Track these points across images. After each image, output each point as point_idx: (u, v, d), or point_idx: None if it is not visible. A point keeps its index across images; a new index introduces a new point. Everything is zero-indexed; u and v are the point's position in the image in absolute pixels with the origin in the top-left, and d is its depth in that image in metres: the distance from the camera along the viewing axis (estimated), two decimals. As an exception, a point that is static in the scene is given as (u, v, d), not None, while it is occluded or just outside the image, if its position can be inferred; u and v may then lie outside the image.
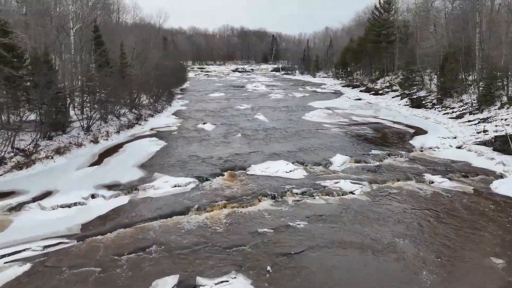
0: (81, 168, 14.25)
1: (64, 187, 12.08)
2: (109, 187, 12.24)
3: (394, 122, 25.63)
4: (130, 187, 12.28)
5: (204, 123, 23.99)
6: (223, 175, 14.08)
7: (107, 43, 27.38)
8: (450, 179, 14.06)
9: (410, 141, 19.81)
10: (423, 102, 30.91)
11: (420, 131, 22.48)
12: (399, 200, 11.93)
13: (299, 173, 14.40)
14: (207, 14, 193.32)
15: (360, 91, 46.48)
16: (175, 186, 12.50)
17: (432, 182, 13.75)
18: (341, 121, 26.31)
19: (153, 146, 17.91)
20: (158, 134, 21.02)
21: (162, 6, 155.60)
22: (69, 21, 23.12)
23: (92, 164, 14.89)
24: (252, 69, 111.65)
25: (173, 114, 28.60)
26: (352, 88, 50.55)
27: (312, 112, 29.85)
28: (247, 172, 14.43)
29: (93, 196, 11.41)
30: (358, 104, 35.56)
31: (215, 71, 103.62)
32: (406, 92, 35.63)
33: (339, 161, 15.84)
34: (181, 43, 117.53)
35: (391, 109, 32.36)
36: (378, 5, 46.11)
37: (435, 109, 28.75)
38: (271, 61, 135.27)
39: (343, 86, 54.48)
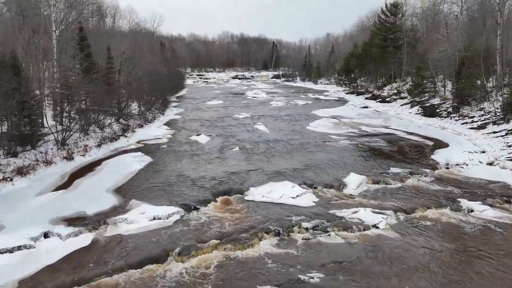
0: (43, 194, 11.75)
1: (14, 221, 9.59)
2: (71, 221, 9.74)
3: (409, 133, 23.16)
4: (97, 221, 9.78)
5: (198, 135, 21.53)
6: (215, 201, 11.59)
7: (98, 48, 25.15)
8: (491, 206, 11.57)
9: (432, 156, 17.32)
10: (437, 110, 28.49)
11: (440, 144, 19.99)
12: (437, 238, 9.40)
13: (308, 198, 11.90)
14: (206, 21, 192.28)
15: (366, 98, 44.13)
16: (154, 218, 9.98)
17: (472, 211, 11.23)
18: (350, 131, 23.86)
19: (136, 163, 15.42)
20: (145, 148, 18.55)
21: (159, 12, 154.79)
22: (51, 22, 20.85)
23: (58, 188, 12.38)
24: (252, 76, 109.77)
25: (165, 124, 26.16)
26: (357, 95, 48.22)
27: (317, 122, 27.44)
28: (245, 198, 11.93)
29: (46, 235, 8.90)
30: (366, 112, 33.16)
31: (214, 78, 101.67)
32: (417, 99, 33.23)
33: (354, 182, 13.34)
34: (180, 50, 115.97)
35: (402, 118, 29.92)
36: (384, 9, 44.00)
37: (451, 118, 26.31)
38: (271, 68, 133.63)
39: (347, 93, 52.20)
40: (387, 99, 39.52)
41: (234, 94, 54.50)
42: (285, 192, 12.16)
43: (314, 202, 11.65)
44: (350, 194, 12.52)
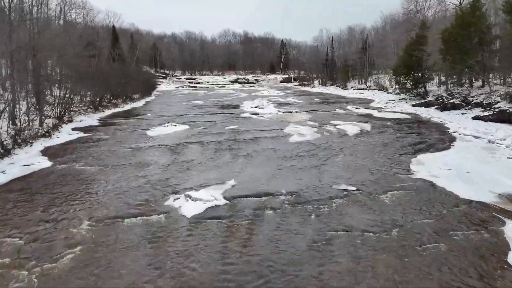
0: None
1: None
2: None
3: None
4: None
5: None
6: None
7: None
8: None
9: None
10: None
11: None
12: None
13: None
14: (206, 19, 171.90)
15: (475, 118, 22.04)
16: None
17: None
18: None
19: None
20: None
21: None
22: None
23: None
24: (256, 80, 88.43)
25: None
26: (441, 109, 26.08)
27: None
28: None
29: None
30: None
31: (208, 82, 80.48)
32: None
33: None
34: (168, 49, 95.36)
35: None
36: None
37: None
38: (279, 70, 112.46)
39: (413, 105, 30.24)
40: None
41: (222, 107, 32.84)
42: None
43: None
44: None
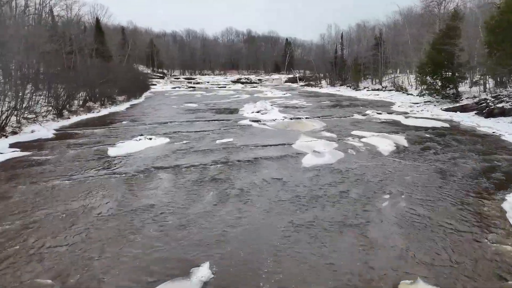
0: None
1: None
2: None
3: None
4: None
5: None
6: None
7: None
8: None
9: None
10: None
11: None
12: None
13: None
14: (207, 17, 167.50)
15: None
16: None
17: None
18: None
19: None
20: None
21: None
22: None
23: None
24: (259, 80, 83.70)
25: None
26: (486, 115, 21.19)
27: None
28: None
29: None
30: None
31: (208, 82, 75.81)
32: None
33: None
34: (166, 47, 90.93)
35: None
36: None
37: None
38: (284, 70, 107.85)
39: (446, 110, 25.38)
40: None
41: (218, 111, 28.12)
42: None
43: None
44: None
